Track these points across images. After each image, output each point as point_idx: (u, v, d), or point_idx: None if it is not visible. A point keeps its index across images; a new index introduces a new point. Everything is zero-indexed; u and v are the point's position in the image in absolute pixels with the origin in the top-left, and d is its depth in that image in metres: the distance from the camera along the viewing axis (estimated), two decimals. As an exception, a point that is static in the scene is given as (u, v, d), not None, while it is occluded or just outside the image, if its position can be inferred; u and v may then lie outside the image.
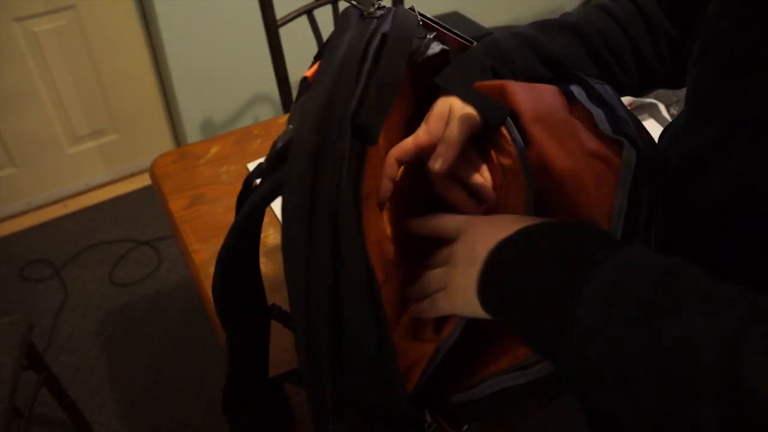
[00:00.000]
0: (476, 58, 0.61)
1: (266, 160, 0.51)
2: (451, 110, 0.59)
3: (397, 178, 0.61)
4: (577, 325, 0.37)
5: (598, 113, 0.51)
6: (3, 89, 1.85)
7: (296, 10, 1.43)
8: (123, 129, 2.14)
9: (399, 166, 0.60)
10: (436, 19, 0.59)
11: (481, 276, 0.45)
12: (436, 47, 0.58)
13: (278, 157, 0.49)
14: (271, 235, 0.91)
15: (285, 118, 1.15)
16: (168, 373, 1.66)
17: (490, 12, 2.41)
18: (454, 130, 0.58)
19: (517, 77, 0.60)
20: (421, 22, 0.57)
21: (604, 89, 0.54)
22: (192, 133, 2.11)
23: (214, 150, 1.07)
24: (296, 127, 0.46)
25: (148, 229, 2.05)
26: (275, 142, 0.50)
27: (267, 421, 0.67)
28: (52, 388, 1.32)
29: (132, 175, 2.24)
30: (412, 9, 0.58)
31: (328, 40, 0.52)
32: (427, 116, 0.61)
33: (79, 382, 1.63)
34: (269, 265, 0.86)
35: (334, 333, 0.46)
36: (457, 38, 0.61)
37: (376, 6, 0.53)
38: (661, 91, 1.23)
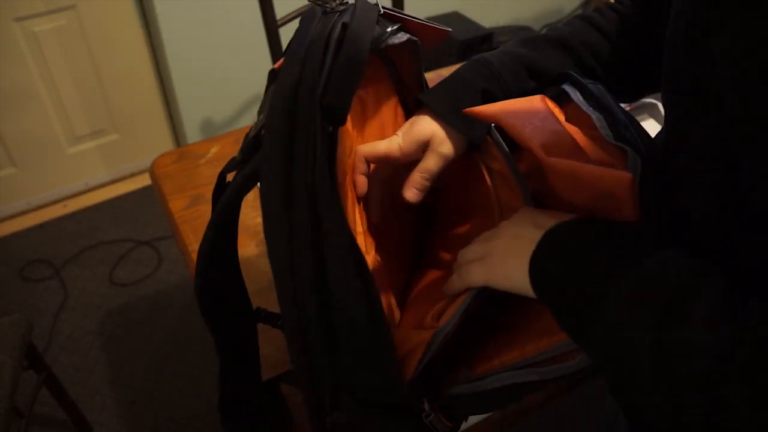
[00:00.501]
0: (466, 80, 0.60)
1: (240, 151, 0.52)
2: (433, 138, 0.58)
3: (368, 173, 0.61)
4: (600, 317, 0.40)
5: (597, 117, 0.51)
6: (3, 89, 1.85)
7: (296, 10, 1.43)
8: (123, 129, 2.14)
9: (368, 164, 0.60)
10: (399, 11, 0.59)
11: (537, 248, 0.46)
12: (402, 36, 0.58)
13: (252, 147, 0.50)
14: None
15: (285, 118, 1.15)
16: (168, 373, 1.66)
17: (490, 12, 2.41)
18: (432, 165, 0.58)
19: (508, 95, 0.60)
20: (381, 11, 0.57)
21: (599, 89, 0.54)
22: (192, 133, 2.11)
23: (214, 150, 1.07)
24: (266, 114, 0.47)
25: (148, 229, 2.05)
26: (247, 134, 0.51)
27: (264, 424, 0.67)
28: (52, 388, 1.32)
29: (132, 175, 2.24)
30: (376, 4, 0.58)
31: (293, 37, 0.53)
32: (405, 128, 0.60)
33: (79, 382, 1.63)
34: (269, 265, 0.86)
35: (323, 310, 0.47)
36: (427, 25, 0.60)
37: (337, 2, 0.54)
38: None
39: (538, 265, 0.46)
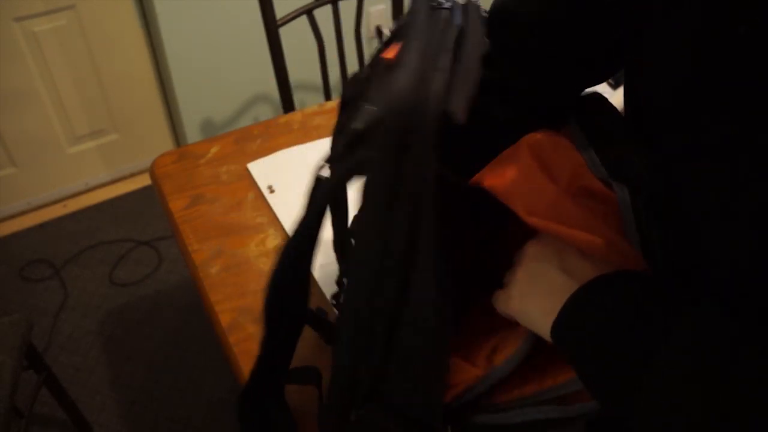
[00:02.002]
0: None
1: (343, 144, 0.50)
2: None
3: None
4: (640, 393, 0.37)
5: (589, 157, 0.49)
6: (3, 89, 1.85)
7: (296, 10, 1.43)
8: (123, 129, 2.14)
9: None
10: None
11: (563, 312, 0.43)
12: None
13: (358, 139, 0.48)
14: (270, 235, 0.91)
15: (285, 118, 1.15)
16: (168, 373, 1.66)
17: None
18: None
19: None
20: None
21: (598, 106, 0.52)
22: (192, 133, 2.11)
23: (214, 150, 1.07)
24: (381, 108, 0.45)
25: (148, 229, 2.05)
26: (349, 126, 0.49)
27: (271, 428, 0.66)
28: (52, 388, 1.32)
29: (132, 175, 2.24)
30: (468, 2, 0.56)
31: (401, 25, 0.51)
32: None
33: (79, 382, 1.63)
34: (269, 265, 0.86)
35: (394, 320, 0.45)
36: None
37: None
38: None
39: (563, 328, 0.43)
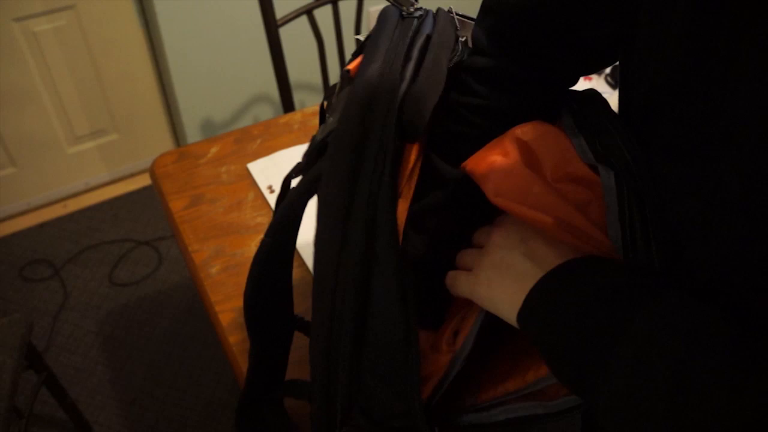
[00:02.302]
0: None
1: (305, 155, 0.50)
2: None
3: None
4: (605, 382, 0.37)
5: (579, 143, 0.49)
6: (3, 89, 1.85)
7: (296, 10, 1.43)
8: (123, 129, 2.14)
9: None
10: (470, 17, 0.57)
11: (529, 298, 0.43)
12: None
13: (318, 151, 0.48)
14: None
15: (285, 118, 1.15)
16: (168, 373, 1.66)
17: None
18: None
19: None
20: (458, 27, 0.56)
21: (592, 102, 0.52)
22: (192, 133, 2.11)
23: (214, 150, 1.07)
24: (338, 119, 0.45)
25: (148, 229, 2.05)
26: (314, 137, 0.49)
27: None
28: (52, 388, 1.32)
29: (132, 175, 2.24)
30: (449, 10, 0.56)
31: (368, 37, 0.51)
32: None
33: (79, 382, 1.63)
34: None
35: (358, 328, 0.45)
36: None
37: (414, 6, 0.52)
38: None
39: (528, 314, 0.43)
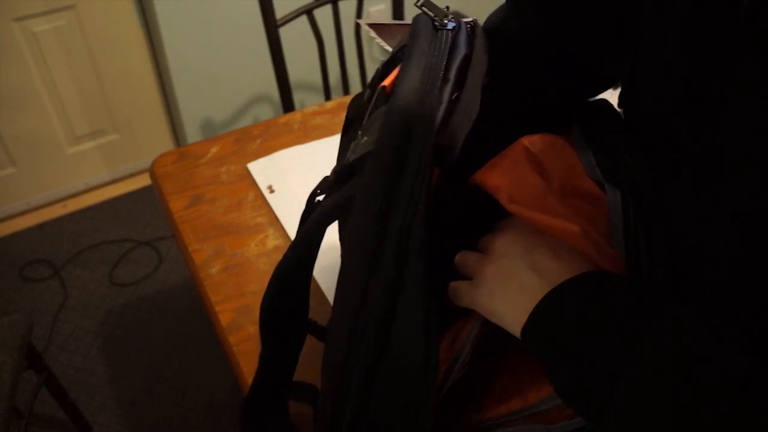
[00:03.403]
0: None
1: (335, 172, 0.49)
2: None
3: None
4: (612, 403, 0.36)
5: (586, 159, 0.49)
6: (3, 89, 1.85)
7: (296, 10, 1.43)
8: (123, 129, 2.14)
9: None
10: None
11: (534, 314, 0.42)
12: None
13: (349, 170, 0.47)
14: (270, 235, 0.91)
15: (285, 118, 1.15)
16: (168, 373, 1.66)
17: (490, 12, 2.41)
18: None
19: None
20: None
21: (603, 114, 0.52)
22: (192, 133, 2.11)
23: (214, 150, 1.07)
24: (375, 140, 0.44)
25: (148, 229, 2.05)
26: (347, 157, 0.48)
27: None
28: (52, 388, 1.32)
29: (132, 175, 2.24)
30: (474, 22, 0.55)
31: (401, 48, 0.49)
32: None
33: (79, 382, 1.63)
34: (269, 265, 0.86)
35: (378, 351, 0.44)
36: None
37: (448, 17, 0.50)
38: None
39: (533, 329, 0.42)
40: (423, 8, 0.50)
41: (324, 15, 1.57)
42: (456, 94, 0.45)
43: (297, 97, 2.16)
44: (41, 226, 2.06)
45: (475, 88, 0.47)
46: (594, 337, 0.38)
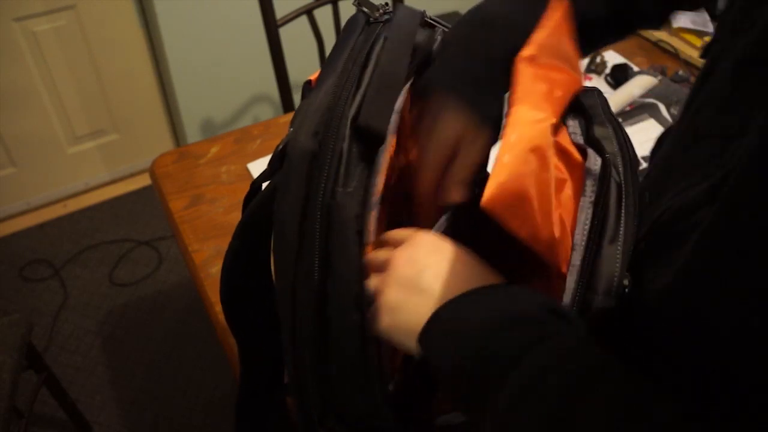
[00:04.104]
0: (479, 39, 0.51)
1: (269, 163, 0.51)
2: (462, 140, 0.50)
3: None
4: (492, 411, 0.37)
5: (572, 124, 0.49)
6: (3, 89, 1.85)
7: (296, 10, 1.43)
8: (123, 129, 2.14)
9: None
10: (441, 21, 0.57)
11: (421, 338, 0.42)
12: None
13: (279, 160, 0.49)
14: (271, 235, 0.92)
15: (285, 118, 1.15)
16: (168, 373, 1.66)
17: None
18: (465, 172, 0.50)
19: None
20: (427, 19, 0.55)
21: (593, 95, 0.52)
22: (192, 133, 2.11)
23: (214, 150, 1.07)
24: (294, 130, 0.46)
25: (148, 229, 2.05)
26: (278, 145, 0.50)
27: None
28: (52, 388, 1.32)
29: (132, 175, 2.24)
30: (423, 14, 0.55)
31: (334, 46, 0.51)
32: (421, 132, 0.52)
33: (79, 382, 1.63)
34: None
35: (319, 332, 0.46)
36: None
37: (382, 11, 0.52)
38: (661, 91, 1.23)
39: (424, 348, 0.42)
40: (359, 6, 0.54)
41: (324, 15, 1.57)
42: (371, 76, 0.47)
43: (297, 97, 2.15)
44: (41, 226, 2.06)
45: (393, 62, 0.48)
46: (478, 355, 0.39)
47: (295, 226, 0.45)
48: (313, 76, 0.51)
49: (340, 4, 1.49)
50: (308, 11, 1.44)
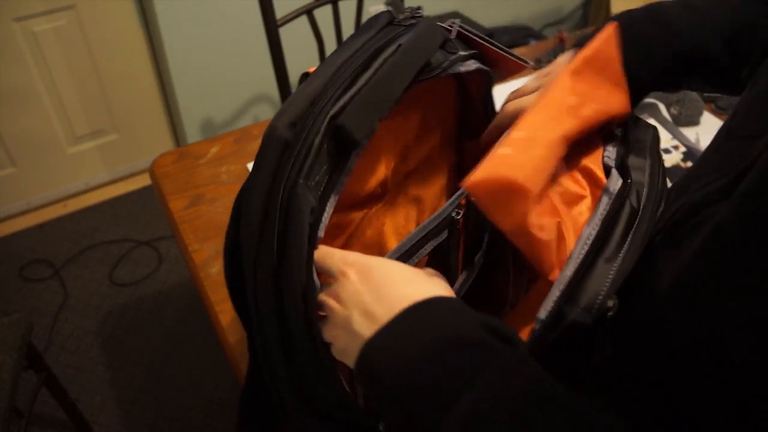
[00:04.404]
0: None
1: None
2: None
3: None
4: None
5: (610, 148, 0.50)
6: (3, 89, 1.85)
7: (296, 10, 1.43)
8: (123, 129, 2.14)
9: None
10: (478, 33, 0.56)
11: (364, 347, 0.42)
12: (470, 65, 0.55)
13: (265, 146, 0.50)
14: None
15: (285, 118, 1.15)
16: (168, 373, 1.66)
17: (490, 12, 2.41)
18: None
19: (676, 49, 0.57)
20: (455, 35, 0.55)
21: (645, 131, 0.53)
22: (192, 133, 2.11)
23: (214, 150, 1.07)
24: (275, 117, 0.47)
25: (148, 229, 2.05)
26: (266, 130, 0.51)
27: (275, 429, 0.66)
28: (52, 388, 1.32)
29: (132, 175, 2.24)
30: (452, 23, 0.56)
31: (345, 41, 0.51)
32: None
33: (79, 382, 1.63)
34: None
35: (281, 324, 0.46)
36: (505, 55, 0.58)
37: (410, 14, 0.52)
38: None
39: (360, 374, 0.42)
40: (389, 6, 0.53)
41: (324, 15, 1.57)
42: (369, 80, 0.47)
43: (297, 97, 2.15)
44: (41, 226, 2.06)
45: (394, 71, 0.48)
46: (416, 385, 0.38)
47: (259, 214, 0.45)
48: (312, 69, 0.51)
49: (340, 4, 1.49)
50: (308, 11, 1.44)
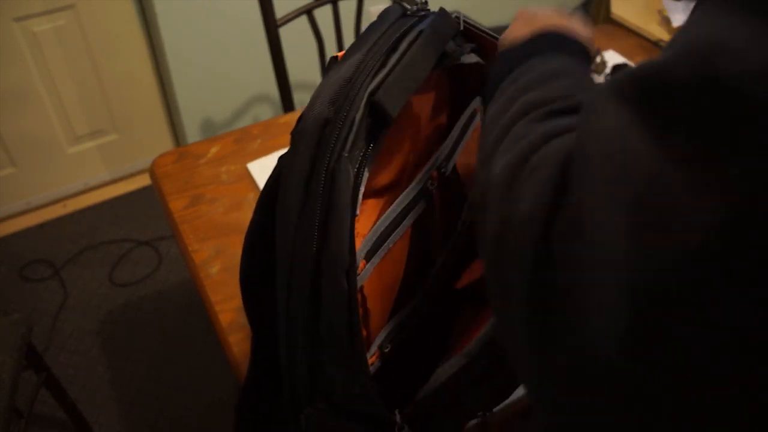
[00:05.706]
0: None
1: (291, 134, 0.52)
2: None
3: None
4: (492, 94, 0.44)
5: None
6: (3, 89, 1.85)
7: (296, 10, 1.43)
8: (123, 129, 2.14)
9: None
10: (481, 26, 0.59)
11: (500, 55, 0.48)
12: (472, 58, 0.58)
13: (298, 136, 0.50)
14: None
15: (285, 118, 1.15)
16: (168, 373, 1.66)
17: (490, 12, 2.41)
18: None
19: None
20: (462, 28, 0.57)
21: None
22: (192, 133, 2.11)
23: (214, 150, 1.07)
24: (310, 102, 0.48)
25: (148, 229, 2.05)
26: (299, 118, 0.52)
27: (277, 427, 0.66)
28: (52, 388, 1.32)
29: (132, 175, 2.24)
30: (456, 15, 0.58)
31: (364, 31, 0.53)
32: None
33: (79, 382, 1.63)
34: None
35: (314, 310, 0.47)
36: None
37: (419, 5, 0.54)
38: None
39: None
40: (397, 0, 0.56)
41: (324, 15, 1.57)
42: (398, 61, 0.50)
43: (297, 97, 2.15)
44: (41, 226, 2.06)
45: (420, 55, 0.51)
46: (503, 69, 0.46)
47: (301, 189, 0.46)
48: (340, 54, 0.53)
49: (340, 4, 1.49)
50: (308, 11, 1.44)
